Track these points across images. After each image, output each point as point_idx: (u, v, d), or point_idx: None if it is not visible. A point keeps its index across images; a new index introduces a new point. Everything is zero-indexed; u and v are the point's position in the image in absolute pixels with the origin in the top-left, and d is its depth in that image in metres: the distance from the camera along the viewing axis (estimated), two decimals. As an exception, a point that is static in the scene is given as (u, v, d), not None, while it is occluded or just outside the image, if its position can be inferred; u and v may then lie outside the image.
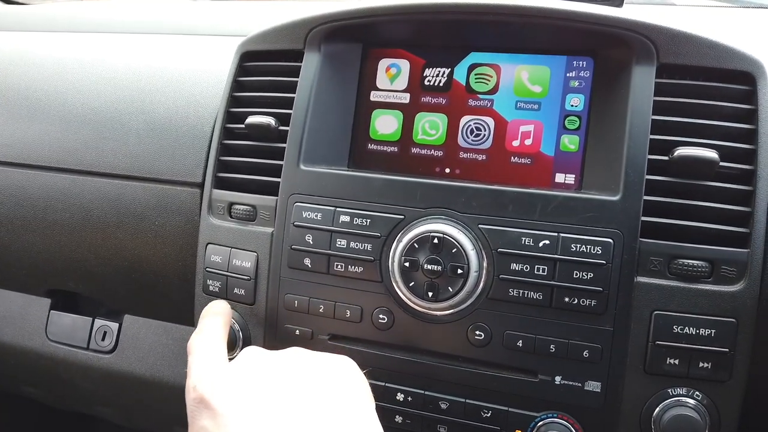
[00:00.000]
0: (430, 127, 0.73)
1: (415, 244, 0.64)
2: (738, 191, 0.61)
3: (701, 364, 0.59)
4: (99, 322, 0.98)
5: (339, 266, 0.68)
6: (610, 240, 0.60)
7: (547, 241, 0.61)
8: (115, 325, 0.97)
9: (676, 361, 0.59)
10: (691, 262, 0.60)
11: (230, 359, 0.73)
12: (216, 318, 0.64)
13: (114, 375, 0.96)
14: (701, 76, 0.63)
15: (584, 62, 0.68)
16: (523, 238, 0.62)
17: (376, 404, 0.67)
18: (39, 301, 1.01)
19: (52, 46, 0.99)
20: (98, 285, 0.92)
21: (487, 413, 0.64)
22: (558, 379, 0.62)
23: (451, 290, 0.63)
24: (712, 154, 0.60)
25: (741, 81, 0.63)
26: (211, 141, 0.78)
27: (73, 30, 1.08)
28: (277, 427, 0.46)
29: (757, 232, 0.59)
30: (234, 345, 0.73)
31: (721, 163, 0.60)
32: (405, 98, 0.74)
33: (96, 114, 0.85)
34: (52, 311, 0.99)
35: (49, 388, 1.11)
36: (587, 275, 0.60)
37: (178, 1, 1.35)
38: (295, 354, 0.55)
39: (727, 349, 0.58)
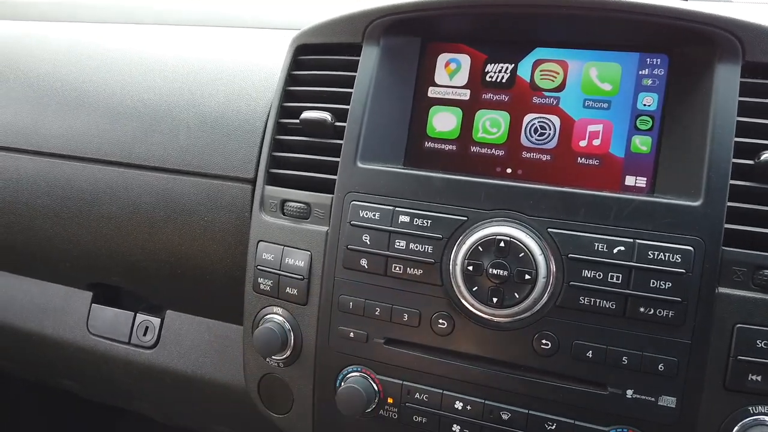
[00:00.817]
0: (491, 125, 0.70)
1: (479, 247, 0.61)
2: (829, 199, 0.57)
3: None
4: (141, 317, 0.97)
5: (397, 268, 0.65)
6: (691, 248, 0.57)
7: (621, 248, 0.58)
8: (157, 320, 0.96)
9: (759, 378, 0.56)
10: (778, 273, 0.56)
11: (279, 360, 0.72)
12: None
13: (155, 370, 0.95)
14: (791, 76, 0.59)
15: (658, 59, 0.65)
16: (596, 244, 0.59)
17: (433, 411, 0.65)
18: (80, 294, 1.00)
19: (101, 37, 0.98)
20: (142, 279, 0.90)
21: (552, 426, 0.61)
22: (629, 392, 0.59)
23: (517, 296, 0.60)
24: (803, 159, 0.56)
25: (834, 82, 0.59)
26: (263, 136, 0.76)
27: (123, 21, 1.07)
28: None
29: None
30: (285, 345, 0.71)
31: (812, 169, 0.57)
32: (465, 95, 0.71)
33: (145, 106, 0.84)
34: (93, 305, 0.99)
35: (89, 382, 1.10)
36: (665, 284, 0.57)
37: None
38: None
39: None
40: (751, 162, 0.58)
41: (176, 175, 0.80)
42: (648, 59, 0.66)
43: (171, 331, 0.95)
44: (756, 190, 0.58)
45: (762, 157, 0.57)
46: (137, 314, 0.97)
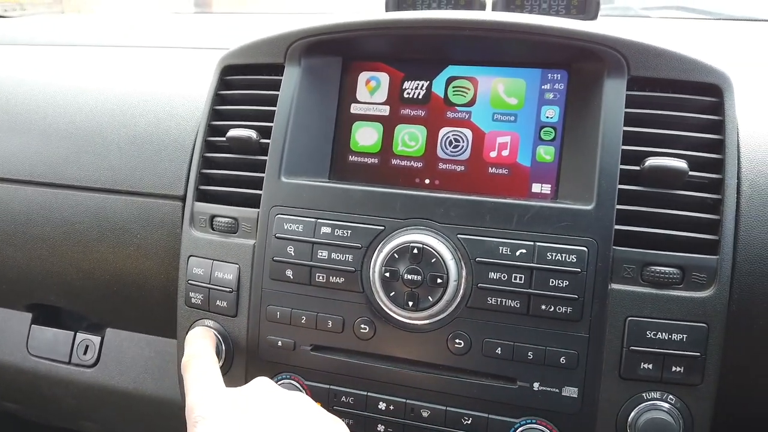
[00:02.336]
0: (410, 138, 0.74)
1: (395, 255, 0.65)
2: (707, 200, 0.63)
3: (674, 368, 0.60)
4: (81, 336, 0.97)
5: (321, 277, 0.68)
6: (585, 248, 0.62)
7: (523, 250, 0.63)
8: (97, 339, 0.96)
9: (650, 366, 0.61)
10: (662, 269, 0.61)
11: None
12: (204, 341, 0.68)
13: (96, 389, 0.95)
14: (671, 88, 0.65)
15: (558, 75, 0.70)
16: (501, 248, 0.63)
17: (358, 413, 0.68)
18: (20, 316, 1.00)
19: (33, 60, 0.99)
20: (80, 298, 0.91)
21: (468, 420, 0.65)
22: (536, 385, 0.63)
23: (431, 300, 0.64)
24: (682, 164, 0.61)
25: (709, 93, 0.65)
26: (192, 154, 0.79)
27: (55, 44, 1.08)
28: None
29: (725, 239, 0.61)
30: (217, 356, 0.73)
31: (691, 173, 0.62)
32: (385, 110, 0.75)
33: (77, 128, 0.86)
34: (33, 325, 0.99)
35: (31, 404, 1.09)
36: (563, 283, 0.61)
37: (161, 15, 1.36)
38: (298, 404, 0.56)
39: (698, 354, 0.60)
40: (637, 168, 0.63)
41: (108, 194, 0.82)
42: (549, 75, 0.71)
43: (111, 349, 0.96)
44: (642, 194, 0.63)
45: (646, 164, 0.62)
46: (77, 333, 0.97)
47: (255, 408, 0.54)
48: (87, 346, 0.97)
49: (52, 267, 0.88)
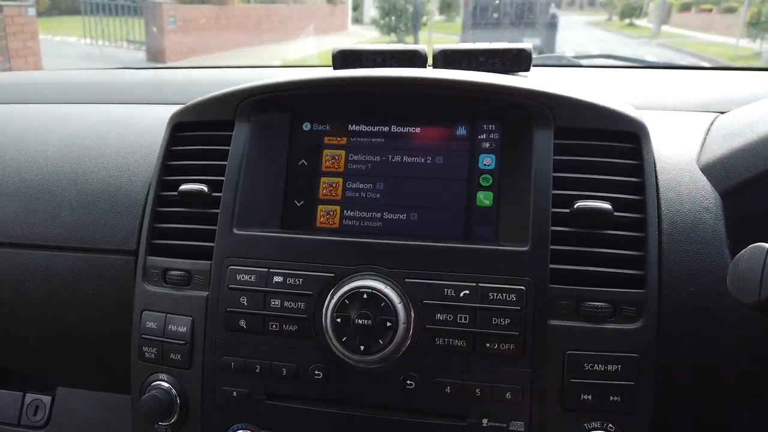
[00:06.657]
0: (360, 187, 0.77)
1: (346, 301, 0.67)
2: (632, 237, 0.68)
3: (611, 398, 0.64)
4: (30, 396, 0.95)
5: (274, 326, 0.70)
6: (523, 287, 0.66)
7: (467, 291, 0.66)
8: (47, 398, 0.95)
9: (590, 397, 0.64)
10: (595, 304, 0.66)
11: (167, 426, 0.74)
12: None
13: (47, 451, 0.93)
14: (594, 136, 0.71)
15: (493, 125, 0.75)
16: (446, 290, 0.67)
17: (315, 460, 0.69)
18: (-36, 379, 0.97)
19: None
20: (30, 358, 0.90)
21: (422, 459, 0.67)
22: (485, 421, 0.66)
23: (381, 342, 0.66)
24: (607, 206, 0.67)
25: (627, 140, 0.71)
26: (144, 209, 0.80)
27: (3, 101, 1.09)
28: None
29: (650, 273, 0.66)
30: (171, 411, 0.73)
31: (616, 213, 0.67)
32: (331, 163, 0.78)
33: (27, 187, 0.86)
34: (-22, 389, 0.96)
35: (-25, 471, 1.05)
36: (505, 321, 0.65)
37: (111, 71, 1.37)
38: None
39: (632, 383, 0.64)
40: (567, 210, 0.68)
41: (59, 251, 0.82)
42: (485, 125, 0.75)
43: (63, 408, 0.94)
44: (573, 234, 0.68)
45: (575, 206, 0.67)
46: (26, 393, 0.95)
47: None
48: (37, 407, 0.95)
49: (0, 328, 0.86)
